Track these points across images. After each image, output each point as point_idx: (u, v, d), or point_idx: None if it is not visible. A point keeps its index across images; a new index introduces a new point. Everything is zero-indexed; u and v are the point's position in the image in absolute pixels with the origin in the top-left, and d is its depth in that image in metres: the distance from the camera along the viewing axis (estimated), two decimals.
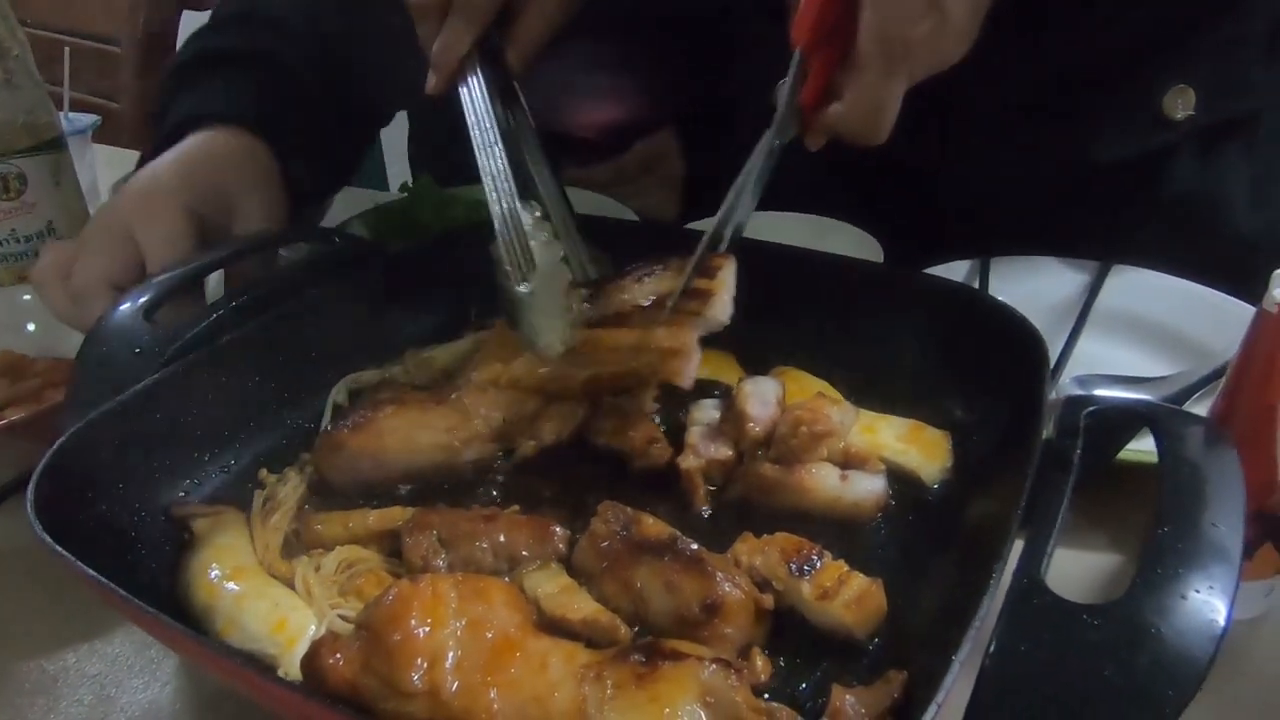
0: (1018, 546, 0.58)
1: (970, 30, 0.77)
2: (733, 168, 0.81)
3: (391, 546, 0.73)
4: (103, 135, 1.78)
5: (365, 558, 0.72)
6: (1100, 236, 1.19)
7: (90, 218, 1.25)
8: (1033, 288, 1.14)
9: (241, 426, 0.85)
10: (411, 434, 0.81)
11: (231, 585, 0.68)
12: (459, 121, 0.91)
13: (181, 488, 0.79)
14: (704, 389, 0.90)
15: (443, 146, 1.57)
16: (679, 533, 0.68)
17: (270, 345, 0.88)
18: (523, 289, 0.81)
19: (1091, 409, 0.65)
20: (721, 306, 0.81)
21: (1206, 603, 0.50)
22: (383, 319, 0.99)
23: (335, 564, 0.71)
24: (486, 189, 0.86)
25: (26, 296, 1.11)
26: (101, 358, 0.80)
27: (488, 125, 0.87)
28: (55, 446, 0.68)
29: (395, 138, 3.13)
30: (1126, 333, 1.10)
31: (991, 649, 0.49)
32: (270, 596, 0.67)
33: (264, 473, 0.82)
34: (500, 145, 0.84)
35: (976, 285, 1.14)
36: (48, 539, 0.59)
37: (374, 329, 0.98)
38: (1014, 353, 0.79)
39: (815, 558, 0.66)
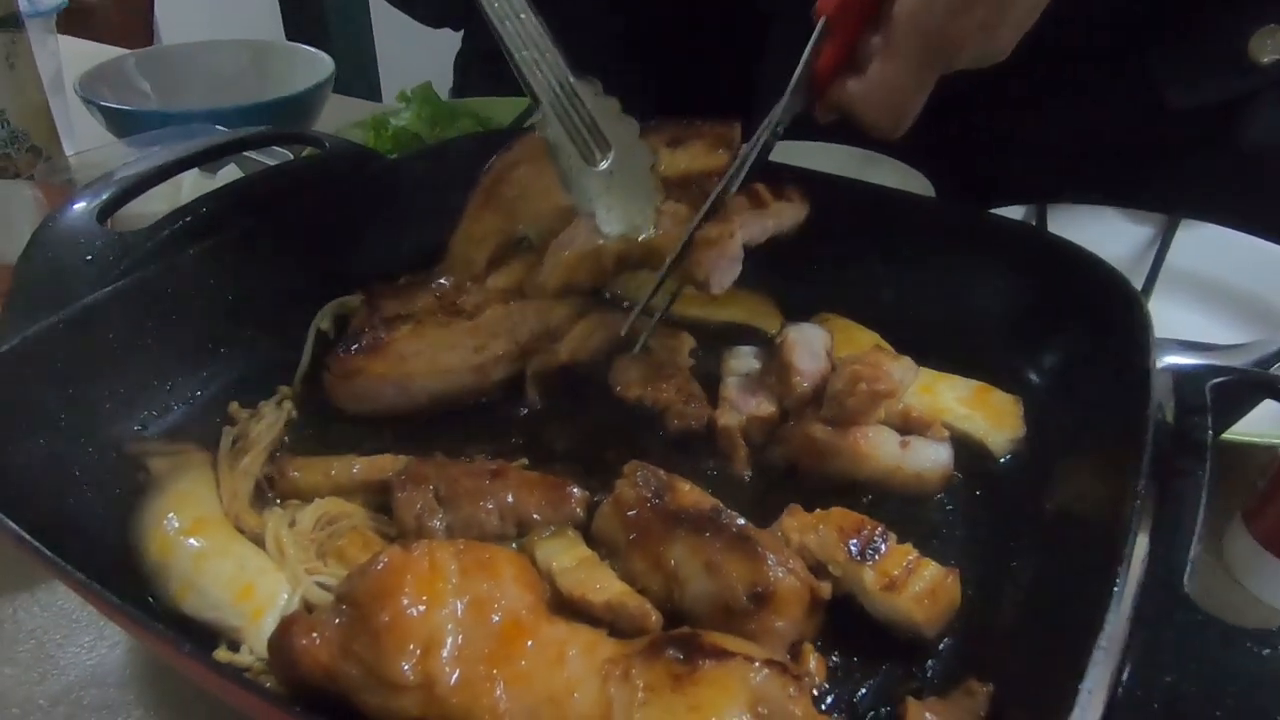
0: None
1: (1031, 19, 0.64)
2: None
3: (379, 500, 0.63)
4: (74, 28, 1.64)
5: (348, 512, 0.63)
6: (1165, 187, 1.09)
7: (50, 112, 1.13)
8: (1093, 239, 1.03)
9: (210, 352, 0.74)
10: (436, 355, 0.72)
11: (191, 541, 0.58)
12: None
13: (137, 421, 0.68)
14: (739, 335, 0.80)
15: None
16: (721, 504, 0.58)
17: (247, 259, 0.76)
18: (602, 167, 0.70)
19: (1218, 381, 0.55)
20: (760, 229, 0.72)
21: None
22: (375, 236, 0.87)
23: (313, 519, 0.61)
24: (519, 60, 0.70)
25: None
26: (46, 264, 0.69)
27: None
28: None
29: (390, 51, 3.00)
30: (1193, 293, 0.99)
31: (1126, 678, 0.40)
32: (235, 556, 0.57)
33: (235, 406, 0.72)
34: (531, 12, 0.71)
35: None
36: None
37: (365, 246, 0.87)
38: (1105, 313, 0.69)
39: (879, 539, 0.56)
